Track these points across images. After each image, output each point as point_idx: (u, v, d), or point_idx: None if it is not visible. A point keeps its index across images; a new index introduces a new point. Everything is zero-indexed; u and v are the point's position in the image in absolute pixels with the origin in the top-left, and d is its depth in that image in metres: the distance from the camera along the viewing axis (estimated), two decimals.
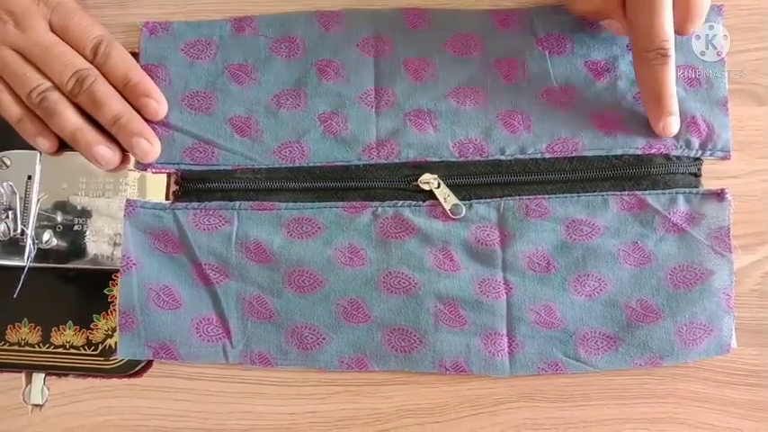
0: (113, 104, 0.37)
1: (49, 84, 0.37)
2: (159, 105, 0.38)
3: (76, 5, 0.38)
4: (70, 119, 0.37)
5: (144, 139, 0.37)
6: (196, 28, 0.40)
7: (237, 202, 0.38)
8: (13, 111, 0.37)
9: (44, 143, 0.38)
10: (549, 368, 0.37)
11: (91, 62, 0.37)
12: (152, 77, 0.39)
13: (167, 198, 0.39)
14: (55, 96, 0.37)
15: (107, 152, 0.37)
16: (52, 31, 0.37)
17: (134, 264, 0.37)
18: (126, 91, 0.38)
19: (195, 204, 0.38)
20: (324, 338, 0.37)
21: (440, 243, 0.37)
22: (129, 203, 0.38)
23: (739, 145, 0.38)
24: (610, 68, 0.38)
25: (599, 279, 0.37)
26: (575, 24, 0.39)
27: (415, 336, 0.37)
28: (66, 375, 0.39)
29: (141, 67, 0.39)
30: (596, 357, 0.36)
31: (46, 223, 0.39)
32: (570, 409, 0.37)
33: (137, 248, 0.38)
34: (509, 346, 0.37)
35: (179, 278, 0.38)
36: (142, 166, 0.39)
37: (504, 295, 0.37)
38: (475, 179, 0.38)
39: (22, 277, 0.39)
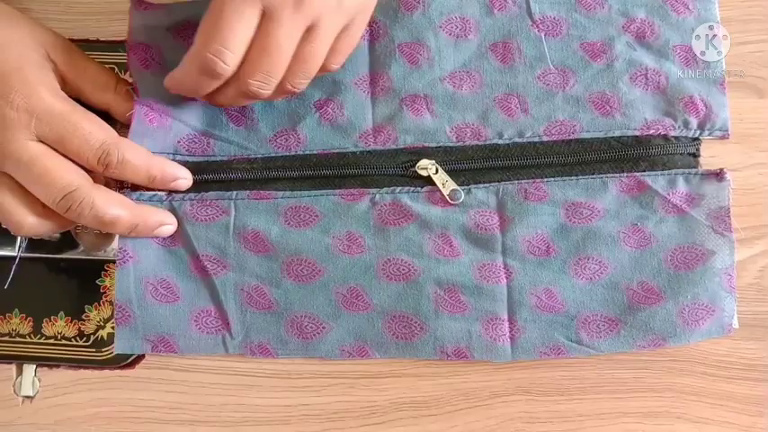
0: (124, 215, 0.34)
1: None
2: (188, 180, 0.37)
3: (67, 107, 0.33)
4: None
5: (165, 225, 0.37)
6: (190, 8, 0.40)
7: (234, 192, 0.38)
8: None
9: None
10: (551, 352, 0.36)
11: (102, 172, 0.34)
12: (143, 59, 0.38)
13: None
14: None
15: (170, 228, 0.37)
16: (43, 142, 0.32)
17: (131, 257, 0.37)
18: (153, 185, 0.36)
19: (192, 195, 0.38)
20: (324, 327, 0.37)
21: (439, 229, 0.37)
22: (126, 196, 0.38)
23: (738, 138, 0.38)
24: (606, 50, 0.38)
25: (599, 262, 0.36)
26: (570, 6, 0.39)
27: (415, 322, 0.36)
28: (57, 367, 0.38)
29: (131, 45, 0.38)
30: (598, 340, 0.36)
31: None
32: (566, 402, 0.37)
33: (133, 241, 0.37)
34: (510, 331, 0.36)
35: (177, 270, 0.37)
36: None
37: (505, 280, 0.37)
38: (473, 164, 0.38)
39: (13, 267, 0.38)
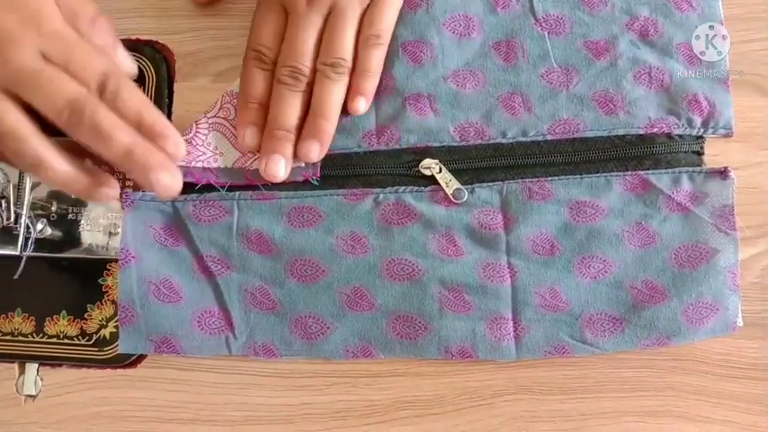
0: (123, 136, 0.31)
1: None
2: (178, 147, 0.33)
3: (74, 35, 0.33)
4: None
5: (165, 172, 0.32)
6: None
7: (237, 192, 0.38)
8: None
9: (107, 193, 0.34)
10: (555, 351, 0.36)
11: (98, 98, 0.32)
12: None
13: None
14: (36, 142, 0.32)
15: (107, 192, 0.34)
16: (47, 61, 0.32)
17: (133, 257, 0.37)
18: (140, 132, 0.32)
19: (195, 196, 0.38)
20: (328, 327, 0.37)
21: (443, 228, 0.37)
22: (128, 196, 0.38)
23: (741, 136, 0.38)
24: (609, 48, 0.38)
25: (604, 261, 0.36)
26: (573, 4, 0.39)
27: (420, 322, 0.36)
28: (59, 366, 0.38)
29: None
30: (603, 339, 0.36)
31: (40, 212, 0.39)
32: (568, 401, 0.37)
33: (136, 241, 0.37)
34: (515, 331, 0.36)
35: (179, 271, 0.37)
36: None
37: (509, 279, 0.37)
38: (477, 163, 0.38)
39: (22, 264, 0.38)
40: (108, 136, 0.31)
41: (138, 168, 0.32)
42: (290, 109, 0.36)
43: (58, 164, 0.32)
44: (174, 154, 0.33)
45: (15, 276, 0.38)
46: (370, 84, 0.38)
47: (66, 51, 0.32)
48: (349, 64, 0.37)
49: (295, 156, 0.37)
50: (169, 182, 0.33)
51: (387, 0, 0.37)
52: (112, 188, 0.34)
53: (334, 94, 0.37)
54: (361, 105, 0.37)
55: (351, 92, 0.37)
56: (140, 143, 0.32)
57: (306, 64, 0.36)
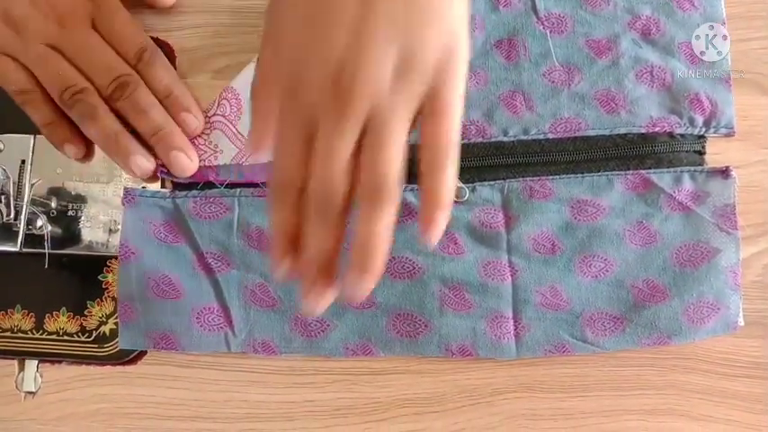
0: (156, 115, 0.36)
1: (85, 84, 0.35)
2: (199, 122, 0.37)
3: (123, 8, 0.37)
4: (107, 124, 0.35)
5: (183, 154, 0.36)
6: None
7: (238, 189, 0.38)
8: (44, 113, 0.36)
9: (72, 149, 0.37)
10: (556, 350, 0.36)
11: (133, 67, 0.36)
12: None
13: (163, 185, 0.39)
14: (93, 99, 0.35)
15: (144, 162, 0.36)
16: (94, 29, 0.36)
17: (133, 253, 0.37)
18: (166, 103, 0.37)
19: (195, 192, 0.38)
20: (328, 325, 0.37)
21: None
22: (128, 192, 0.38)
23: (742, 135, 0.38)
24: (611, 47, 0.38)
25: (605, 260, 0.36)
26: (575, 3, 0.39)
27: (420, 320, 0.36)
28: (59, 362, 0.38)
29: None
30: (603, 338, 0.36)
31: (40, 209, 0.39)
32: (569, 399, 0.37)
33: (135, 238, 0.37)
34: (515, 329, 0.36)
35: (179, 267, 0.37)
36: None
37: (510, 278, 0.36)
38: (478, 162, 0.38)
39: (46, 254, 0.38)
40: (144, 112, 0.36)
41: (162, 144, 0.36)
42: (328, 238, 0.28)
43: (109, 119, 0.35)
44: (195, 128, 0.37)
45: (45, 266, 0.38)
46: (443, 215, 0.28)
47: (111, 21, 0.36)
48: (396, 183, 0.27)
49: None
50: (185, 162, 0.37)
51: (450, 104, 0.27)
52: (148, 160, 0.36)
53: (380, 224, 0.27)
54: (434, 238, 0.28)
55: (420, 219, 0.28)
56: (168, 124, 0.36)
57: (341, 188, 0.27)
